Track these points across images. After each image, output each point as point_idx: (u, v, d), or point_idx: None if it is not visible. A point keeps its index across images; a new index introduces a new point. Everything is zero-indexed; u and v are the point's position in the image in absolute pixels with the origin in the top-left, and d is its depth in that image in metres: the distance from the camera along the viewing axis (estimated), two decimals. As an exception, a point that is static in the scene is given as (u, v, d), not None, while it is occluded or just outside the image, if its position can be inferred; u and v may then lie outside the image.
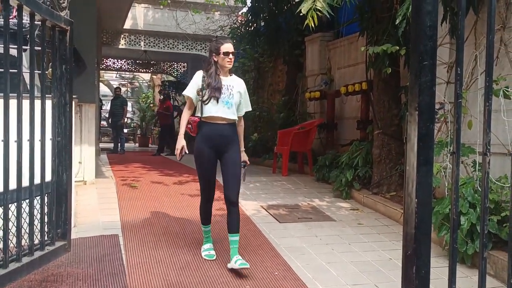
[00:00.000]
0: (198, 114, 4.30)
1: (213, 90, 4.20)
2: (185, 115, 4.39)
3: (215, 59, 4.29)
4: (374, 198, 6.73)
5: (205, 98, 4.22)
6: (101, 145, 15.19)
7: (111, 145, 15.91)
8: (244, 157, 4.40)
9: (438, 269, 4.30)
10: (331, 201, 7.14)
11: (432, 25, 2.25)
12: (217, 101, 4.20)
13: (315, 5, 5.10)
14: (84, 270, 4.19)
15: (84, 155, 7.33)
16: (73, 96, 4.87)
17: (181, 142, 4.30)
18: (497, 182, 4.62)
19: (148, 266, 4.38)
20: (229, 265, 4.21)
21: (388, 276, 4.33)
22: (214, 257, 4.50)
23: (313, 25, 5.22)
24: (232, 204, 4.24)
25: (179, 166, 10.19)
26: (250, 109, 4.51)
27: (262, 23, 11.46)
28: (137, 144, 22.62)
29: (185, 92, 4.40)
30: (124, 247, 4.81)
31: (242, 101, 4.40)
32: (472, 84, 5.51)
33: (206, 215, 4.54)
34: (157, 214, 6.04)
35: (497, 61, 5.24)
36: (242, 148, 4.43)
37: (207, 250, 4.60)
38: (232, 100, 4.26)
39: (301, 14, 5.38)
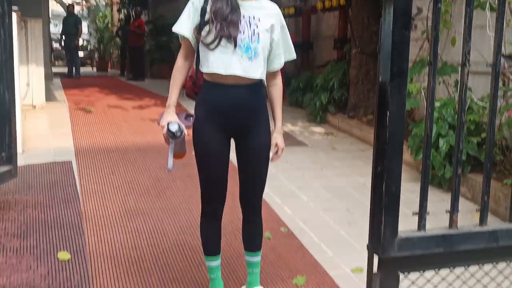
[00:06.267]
0: (203, 69, 2.61)
1: (225, 25, 2.50)
2: (179, 70, 2.66)
3: None
4: (350, 122, 6.79)
5: (209, 38, 2.51)
6: (54, 69, 14.83)
7: (65, 70, 15.54)
8: (278, 140, 2.73)
9: (413, 193, 4.40)
10: (304, 126, 7.19)
11: None
12: (235, 45, 2.50)
13: None
14: (34, 197, 4.17)
15: (32, 76, 7.13)
16: (15, 8, 4.65)
17: (167, 115, 2.60)
18: (479, 102, 4.67)
19: (104, 192, 4.38)
20: None
21: (360, 200, 4.43)
22: None
23: None
24: (251, 212, 2.83)
25: (139, 90, 10.07)
26: (293, 56, 2.77)
27: None
28: (95, 68, 22.16)
29: (175, 28, 2.62)
30: (78, 173, 4.79)
31: (276, 44, 2.67)
32: (458, -3, 5.44)
33: (211, 240, 2.84)
34: (115, 140, 6.00)
35: (485, -30, 5.15)
36: (278, 127, 2.76)
37: None
38: (258, 44, 2.55)
39: None
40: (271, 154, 2.70)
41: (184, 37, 2.63)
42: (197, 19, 2.56)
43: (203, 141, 2.66)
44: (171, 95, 2.66)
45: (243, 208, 2.84)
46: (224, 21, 2.50)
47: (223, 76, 2.54)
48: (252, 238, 2.87)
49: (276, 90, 2.77)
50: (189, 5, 2.60)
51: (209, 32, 2.52)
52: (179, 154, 2.78)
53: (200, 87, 2.67)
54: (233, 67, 2.52)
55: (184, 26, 2.59)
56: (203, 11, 2.55)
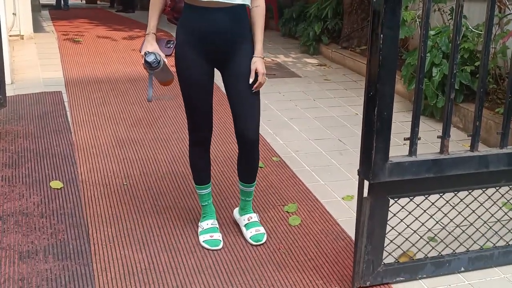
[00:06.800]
0: None
1: None
2: None
3: None
4: (343, 53, 6.70)
5: None
6: (43, 1, 14.44)
7: (54, 2, 15.14)
8: (258, 65, 2.55)
9: (406, 124, 4.40)
10: (297, 57, 7.09)
11: None
12: None
13: None
14: (24, 127, 4.13)
15: (18, 5, 6.93)
16: None
17: (147, 44, 2.56)
18: (474, 30, 4.58)
19: (95, 123, 4.34)
20: (235, 216, 2.99)
21: (352, 130, 4.42)
22: (220, 245, 2.75)
23: None
24: (247, 143, 2.68)
25: (129, 21, 9.85)
26: None
27: None
28: (84, 0, 21.63)
29: None
30: (69, 104, 4.73)
31: None
32: None
33: (200, 169, 2.81)
34: (105, 71, 5.91)
35: None
36: (258, 50, 2.58)
37: (208, 232, 2.79)
38: None
39: None
40: (250, 81, 2.54)
41: None
42: None
43: (184, 68, 2.58)
44: (149, 22, 2.58)
45: (238, 141, 2.71)
46: None
47: (203, 1, 2.43)
48: (247, 172, 2.81)
49: (258, 11, 2.58)
50: None
51: None
52: (165, 82, 2.75)
53: (180, 11, 2.58)
54: None
55: None
56: None
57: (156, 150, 3.88)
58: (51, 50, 6.67)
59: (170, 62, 2.61)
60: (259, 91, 2.63)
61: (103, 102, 4.84)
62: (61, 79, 5.48)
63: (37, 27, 8.06)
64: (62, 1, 13.96)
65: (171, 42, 2.59)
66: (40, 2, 12.71)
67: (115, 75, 5.72)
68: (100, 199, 3.17)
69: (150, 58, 2.47)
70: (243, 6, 2.52)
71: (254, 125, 2.67)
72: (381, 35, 2.16)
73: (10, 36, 6.25)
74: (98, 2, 20.52)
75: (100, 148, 3.87)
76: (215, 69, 2.65)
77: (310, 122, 4.62)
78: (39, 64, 5.99)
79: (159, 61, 2.49)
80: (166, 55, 2.56)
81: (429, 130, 4.38)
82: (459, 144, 4.03)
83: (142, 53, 2.53)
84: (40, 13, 10.75)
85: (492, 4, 2.35)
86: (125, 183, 3.38)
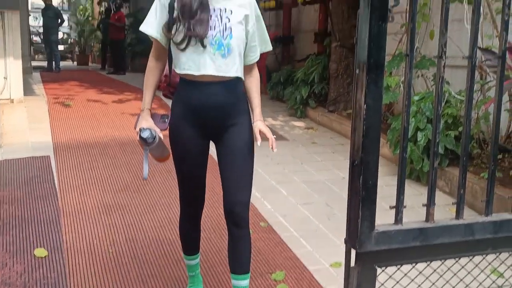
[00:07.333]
0: (176, 70, 2.47)
1: (193, 23, 2.32)
2: (151, 71, 2.53)
3: None
4: (330, 116, 6.81)
5: (178, 38, 2.34)
6: (34, 63, 14.65)
7: (45, 64, 15.34)
8: (260, 126, 2.49)
9: (392, 187, 4.41)
10: (285, 120, 7.19)
11: None
12: (202, 44, 2.34)
13: None
14: (10, 192, 4.10)
15: (9, 69, 7.03)
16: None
17: (141, 120, 2.50)
18: (456, 96, 4.69)
19: (82, 188, 4.33)
20: None
21: (339, 194, 4.43)
22: None
23: None
24: (236, 222, 2.51)
25: (120, 84, 9.98)
26: (269, 47, 2.60)
27: None
28: (76, 62, 21.93)
29: (142, 27, 2.46)
30: (56, 169, 4.72)
31: (251, 36, 2.47)
32: (437, -9, 5.45)
33: (190, 240, 2.76)
34: (94, 134, 5.94)
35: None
36: (257, 114, 2.54)
37: None
38: (230, 39, 2.37)
39: None
40: (258, 143, 2.43)
41: (153, 38, 2.45)
42: (165, 16, 2.37)
43: (180, 143, 2.51)
44: (144, 98, 2.53)
45: (227, 219, 2.54)
46: (192, 19, 2.31)
47: (197, 76, 2.38)
48: (237, 257, 2.56)
49: (253, 81, 2.56)
50: (156, 1, 2.41)
51: (178, 31, 2.33)
52: (161, 158, 2.70)
53: (176, 85, 2.55)
54: (206, 66, 2.35)
55: (150, 25, 2.42)
56: (171, 8, 2.35)
57: (142, 216, 3.85)
58: (41, 114, 6.71)
59: (165, 138, 2.59)
60: (252, 167, 2.56)
61: (91, 166, 4.84)
62: (49, 143, 5.49)
63: (28, 90, 8.13)
64: (53, 63, 14.17)
65: (166, 116, 2.54)
66: (32, 64, 12.88)
67: (104, 139, 5.74)
68: (85, 267, 3.12)
69: (145, 134, 2.42)
70: (238, 79, 2.47)
71: (245, 201, 2.51)
72: (364, 106, 2.20)
73: (0, 100, 6.31)
74: (90, 64, 20.85)
75: (86, 214, 3.83)
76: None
77: (298, 186, 4.63)
78: (28, 128, 6.01)
79: (155, 136, 2.44)
80: (161, 130, 2.51)
81: (416, 195, 4.40)
82: (445, 209, 4.04)
83: (137, 129, 2.47)
84: (31, 75, 10.87)
85: (472, 69, 2.42)
86: (110, 250, 3.33)
